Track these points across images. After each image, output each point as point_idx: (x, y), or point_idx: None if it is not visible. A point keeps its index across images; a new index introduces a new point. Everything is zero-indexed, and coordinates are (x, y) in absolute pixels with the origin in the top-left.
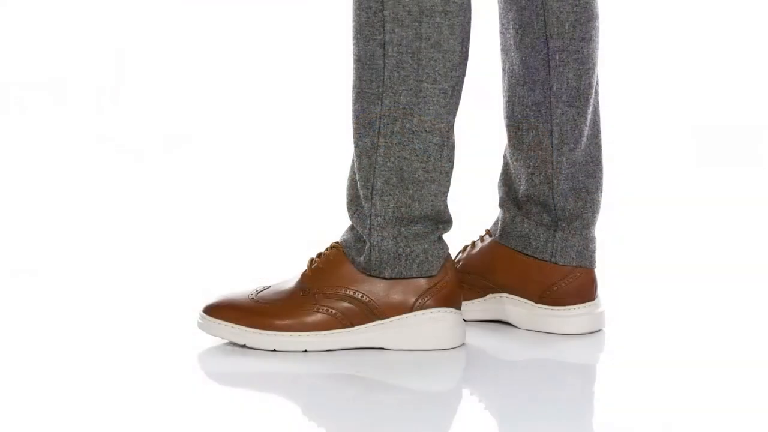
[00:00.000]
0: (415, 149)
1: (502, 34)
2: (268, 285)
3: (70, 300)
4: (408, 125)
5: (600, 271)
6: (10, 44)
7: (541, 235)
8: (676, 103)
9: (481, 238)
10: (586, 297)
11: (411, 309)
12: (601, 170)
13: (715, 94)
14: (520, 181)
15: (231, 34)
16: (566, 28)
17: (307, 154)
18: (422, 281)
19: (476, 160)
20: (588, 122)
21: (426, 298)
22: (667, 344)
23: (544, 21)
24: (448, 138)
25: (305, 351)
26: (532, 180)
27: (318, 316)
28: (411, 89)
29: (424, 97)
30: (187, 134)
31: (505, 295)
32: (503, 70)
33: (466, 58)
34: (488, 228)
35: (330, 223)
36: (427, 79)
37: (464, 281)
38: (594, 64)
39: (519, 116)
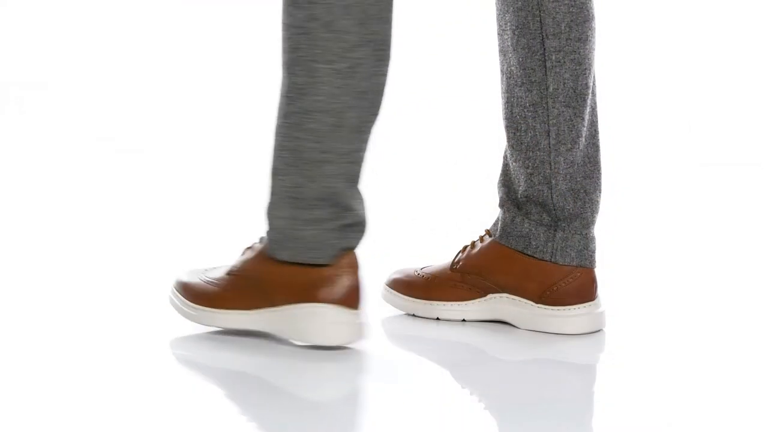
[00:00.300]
0: (309, 129)
1: (500, 35)
2: (222, 266)
3: (68, 298)
4: (304, 105)
5: (600, 271)
6: (10, 44)
7: (542, 235)
8: (676, 103)
9: (481, 238)
10: (586, 297)
11: (298, 300)
12: (599, 171)
13: (714, 94)
14: (519, 181)
15: (230, 35)
16: (562, 28)
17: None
18: (313, 273)
19: (476, 160)
20: (585, 123)
21: (312, 291)
22: (668, 344)
23: (540, 22)
24: (343, 120)
25: (220, 328)
26: (531, 180)
27: (227, 295)
28: (305, 69)
29: (317, 77)
30: (187, 134)
31: (505, 295)
32: (501, 71)
33: (371, 41)
34: (488, 228)
35: None
36: (320, 59)
37: (464, 281)
38: (590, 65)
39: (517, 117)
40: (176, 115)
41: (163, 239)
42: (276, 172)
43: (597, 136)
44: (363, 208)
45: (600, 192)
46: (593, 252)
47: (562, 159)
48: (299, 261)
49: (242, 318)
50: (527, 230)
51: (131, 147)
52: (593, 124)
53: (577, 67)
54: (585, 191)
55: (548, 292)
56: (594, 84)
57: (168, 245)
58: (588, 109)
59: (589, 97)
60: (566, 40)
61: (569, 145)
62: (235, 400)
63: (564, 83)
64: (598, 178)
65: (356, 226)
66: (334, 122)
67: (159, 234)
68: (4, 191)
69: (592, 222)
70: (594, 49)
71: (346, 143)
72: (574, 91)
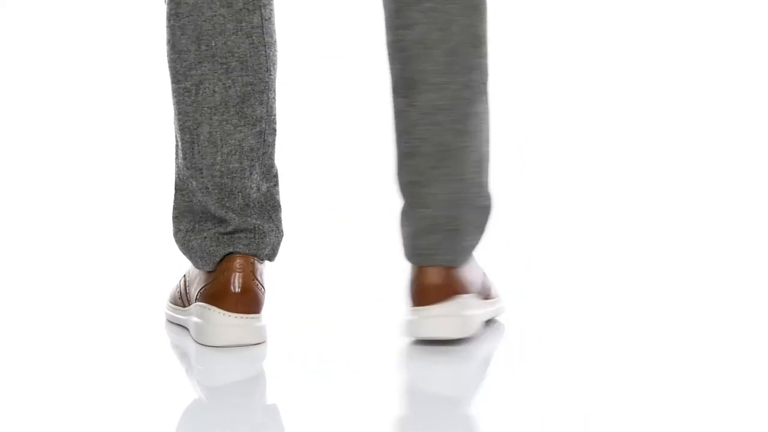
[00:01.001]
0: (178, 146)
1: None
2: None
3: (65, 299)
4: (175, 125)
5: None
6: (10, 44)
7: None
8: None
9: None
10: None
11: (191, 301)
12: (454, 159)
13: (705, 89)
14: None
15: None
16: (390, 20)
17: (307, 154)
18: (202, 276)
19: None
20: (425, 111)
21: (200, 292)
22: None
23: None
24: (198, 136)
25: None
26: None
27: (175, 295)
28: (170, 90)
29: (175, 97)
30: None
31: None
32: None
33: (213, 56)
34: None
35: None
36: (173, 80)
37: None
38: (428, 48)
39: None
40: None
41: (163, 239)
42: (176, 187)
43: (464, 122)
44: (253, 216)
45: (456, 181)
46: (412, 249)
47: (398, 152)
48: (197, 269)
49: (179, 316)
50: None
51: (129, 147)
52: (454, 109)
53: (401, 54)
54: (422, 183)
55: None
56: (457, 65)
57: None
58: (429, 96)
59: (430, 84)
60: (394, 30)
61: (405, 137)
62: (232, 402)
63: (397, 73)
64: (453, 167)
65: (240, 233)
66: (190, 139)
67: (159, 235)
68: (3, 191)
69: (427, 217)
70: (437, 30)
71: (201, 158)
72: (401, 79)
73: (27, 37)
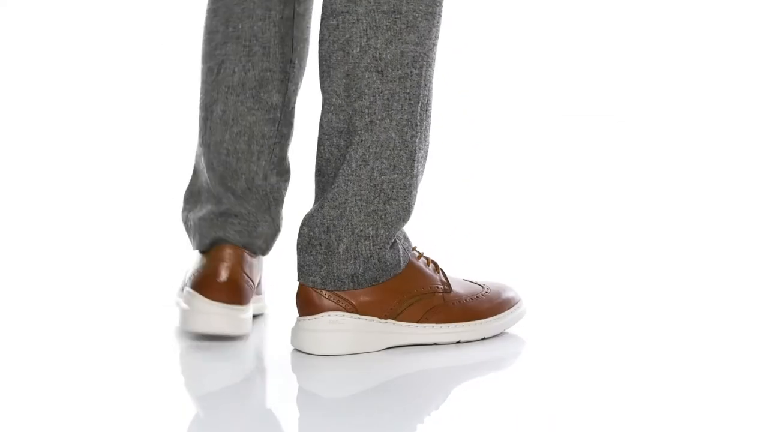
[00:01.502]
0: (198, 126)
1: None
2: None
3: (66, 299)
4: (198, 104)
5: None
6: (10, 44)
7: None
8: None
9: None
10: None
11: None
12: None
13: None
14: None
15: None
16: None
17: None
18: (197, 261)
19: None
20: (325, 131)
21: (190, 278)
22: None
23: None
24: (211, 113)
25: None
26: None
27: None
28: (200, 69)
29: (202, 77)
30: (185, 132)
31: None
32: None
33: (237, 38)
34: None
35: None
36: (202, 61)
37: None
38: (329, 68)
39: None
40: (175, 114)
41: (164, 240)
42: (193, 169)
43: (348, 150)
44: (251, 202)
45: (335, 208)
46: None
47: None
48: (194, 249)
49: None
50: None
51: (133, 144)
52: (347, 135)
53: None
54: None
55: None
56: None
57: (168, 245)
58: (336, 117)
59: (332, 103)
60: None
61: (318, 149)
62: (227, 405)
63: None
64: (334, 192)
65: (231, 217)
66: (204, 116)
67: (160, 235)
68: (2, 192)
69: (303, 236)
70: (341, 50)
71: (210, 135)
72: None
73: (27, 37)
